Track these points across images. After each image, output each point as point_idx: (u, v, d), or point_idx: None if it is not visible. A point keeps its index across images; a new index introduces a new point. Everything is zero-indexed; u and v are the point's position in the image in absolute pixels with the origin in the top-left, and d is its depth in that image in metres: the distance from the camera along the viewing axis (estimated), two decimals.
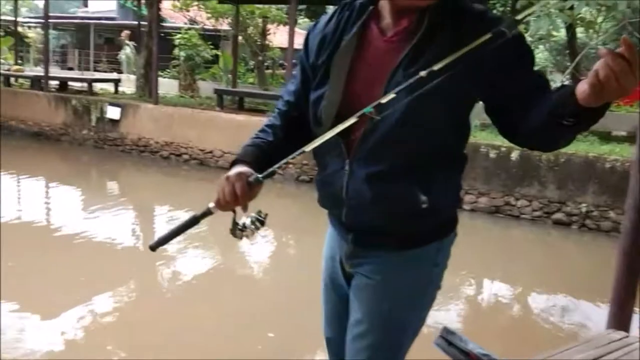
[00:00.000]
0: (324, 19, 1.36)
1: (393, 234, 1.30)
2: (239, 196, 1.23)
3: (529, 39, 9.46)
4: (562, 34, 13.26)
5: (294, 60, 8.89)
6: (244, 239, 1.32)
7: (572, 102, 0.99)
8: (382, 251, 1.33)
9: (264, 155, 1.33)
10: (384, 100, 1.13)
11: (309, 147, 1.23)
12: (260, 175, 1.24)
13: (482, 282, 5.01)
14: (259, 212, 1.31)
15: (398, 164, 1.22)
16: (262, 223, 1.31)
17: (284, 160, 1.26)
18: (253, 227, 1.30)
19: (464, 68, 1.10)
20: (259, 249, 5.64)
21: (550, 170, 6.49)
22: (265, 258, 5.38)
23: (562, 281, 5.03)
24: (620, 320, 2.74)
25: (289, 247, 6.00)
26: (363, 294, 1.37)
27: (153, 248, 1.35)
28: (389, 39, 1.23)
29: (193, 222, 1.33)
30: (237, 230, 1.31)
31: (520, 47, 1.18)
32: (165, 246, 4.62)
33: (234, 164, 1.31)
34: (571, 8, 7.92)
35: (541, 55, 23.56)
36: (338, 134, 1.19)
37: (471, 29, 1.12)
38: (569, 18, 8.60)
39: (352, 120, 1.16)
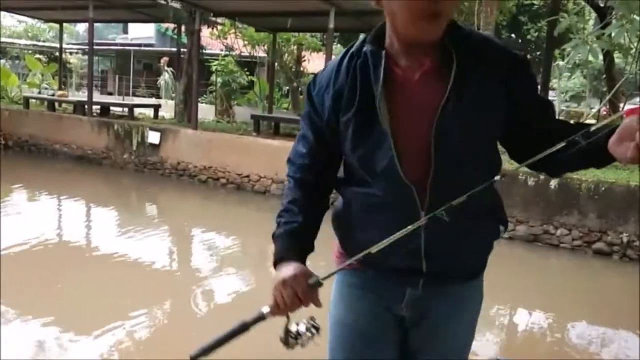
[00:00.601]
0: (324, 74, 1.31)
1: (468, 269, 1.34)
2: (302, 301, 1.20)
3: (565, 65, 9.39)
4: (599, 60, 13.14)
5: None
6: (297, 347, 1.24)
7: (602, 152, 1.05)
8: (450, 287, 1.35)
9: (304, 242, 1.31)
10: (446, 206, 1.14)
11: (378, 247, 1.18)
12: (321, 278, 1.21)
13: (521, 311, 4.94)
14: (312, 318, 1.25)
15: (475, 200, 1.20)
16: (317, 330, 1.25)
17: (349, 261, 1.24)
18: (309, 334, 1.23)
19: (495, 94, 1.20)
20: None
21: (590, 199, 6.40)
22: None
23: (603, 312, 4.93)
24: None
25: (323, 271, 6.03)
26: (434, 337, 1.38)
27: (194, 358, 1.23)
28: (419, 80, 1.22)
29: (242, 328, 1.25)
30: (290, 339, 1.24)
31: (531, 71, 1.27)
32: (199, 268, 4.76)
33: (279, 262, 1.27)
34: (609, 35, 7.88)
35: (577, 81, 23.28)
36: (409, 182, 1.19)
37: (493, 57, 1.22)
38: (607, 45, 8.57)
39: (421, 222, 1.16)
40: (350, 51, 1.27)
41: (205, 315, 4.29)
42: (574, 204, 6.49)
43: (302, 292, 1.20)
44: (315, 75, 1.34)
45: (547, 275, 6.06)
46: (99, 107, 12.29)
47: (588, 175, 6.64)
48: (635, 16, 7.27)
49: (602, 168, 1.16)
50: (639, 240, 6.16)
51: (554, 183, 6.56)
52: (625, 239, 6.21)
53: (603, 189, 6.32)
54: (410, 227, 1.15)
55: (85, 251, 5.76)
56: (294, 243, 1.29)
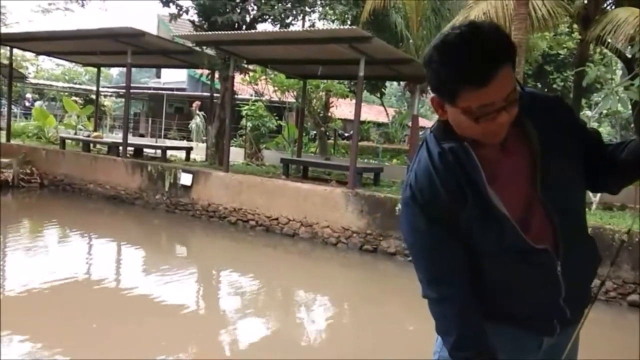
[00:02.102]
0: (421, 183, 1.32)
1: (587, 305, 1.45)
2: None
3: (594, 115, 9.48)
4: (628, 109, 13.18)
5: (351, 132, 9.19)
6: None
7: None
8: (574, 327, 1.43)
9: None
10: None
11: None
12: None
13: None
14: None
15: (588, 235, 1.39)
16: None
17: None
18: None
19: (570, 141, 1.32)
20: (318, 317, 5.69)
21: (624, 250, 6.31)
22: (326, 327, 5.41)
23: None
24: None
25: (350, 316, 6.01)
26: None
27: None
28: (505, 152, 1.30)
29: None
30: None
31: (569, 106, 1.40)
32: (226, 311, 4.82)
33: None
34: (638, 86, 7.92)
35: (603, 130, 23.27)
36: (539, 246, 1.29)
37: (553, 110, 1.33)
38: (636, 95, 8.62)
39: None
40: (436, 151, 1.31)
41: (231, 358, 4.32)
42: (607, 255, 6.34)
43: None
44: (410, 187, 1.34)
45: (582, 327, 5.93)
46: (132, 148, 12.64)
47: (621, 226, 6.58)
48: None
49: None
50: None
51: None
52: None
53: (637, 239, 6.25)
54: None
55: (114, 291, 5.84)
56: None
